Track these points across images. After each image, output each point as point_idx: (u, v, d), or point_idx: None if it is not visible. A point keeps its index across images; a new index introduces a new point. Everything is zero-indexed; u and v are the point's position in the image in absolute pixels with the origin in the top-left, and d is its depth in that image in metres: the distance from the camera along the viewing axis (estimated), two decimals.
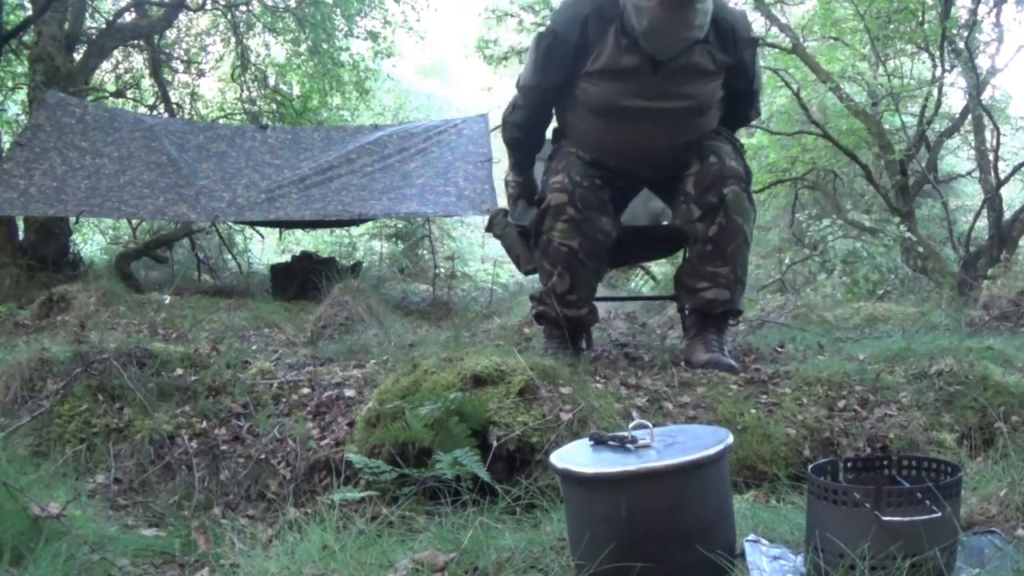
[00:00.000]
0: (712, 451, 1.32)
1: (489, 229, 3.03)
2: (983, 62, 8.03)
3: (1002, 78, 15.63)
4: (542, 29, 2.67)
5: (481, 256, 13.23)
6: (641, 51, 2.40)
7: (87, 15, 9.24)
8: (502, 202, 7.19)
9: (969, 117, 8.35)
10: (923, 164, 8.48)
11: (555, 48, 2.51)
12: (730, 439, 1.38)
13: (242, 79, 10.64)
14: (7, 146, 7.57)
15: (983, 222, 8.11)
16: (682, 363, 2.62)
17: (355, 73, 11.03)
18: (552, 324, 2.70)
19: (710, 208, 2.49)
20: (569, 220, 2.47)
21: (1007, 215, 7.58)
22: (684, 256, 2.81)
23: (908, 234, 7.33)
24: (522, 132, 2.76)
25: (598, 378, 2.35)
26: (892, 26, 8.14)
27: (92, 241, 10.65)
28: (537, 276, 2.73)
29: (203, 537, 1.76)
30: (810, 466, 1.37)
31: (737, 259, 2.55)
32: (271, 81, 11.13)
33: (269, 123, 9.04)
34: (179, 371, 2.57)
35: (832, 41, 9.39)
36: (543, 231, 2.53)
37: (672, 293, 2.96)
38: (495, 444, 1.90)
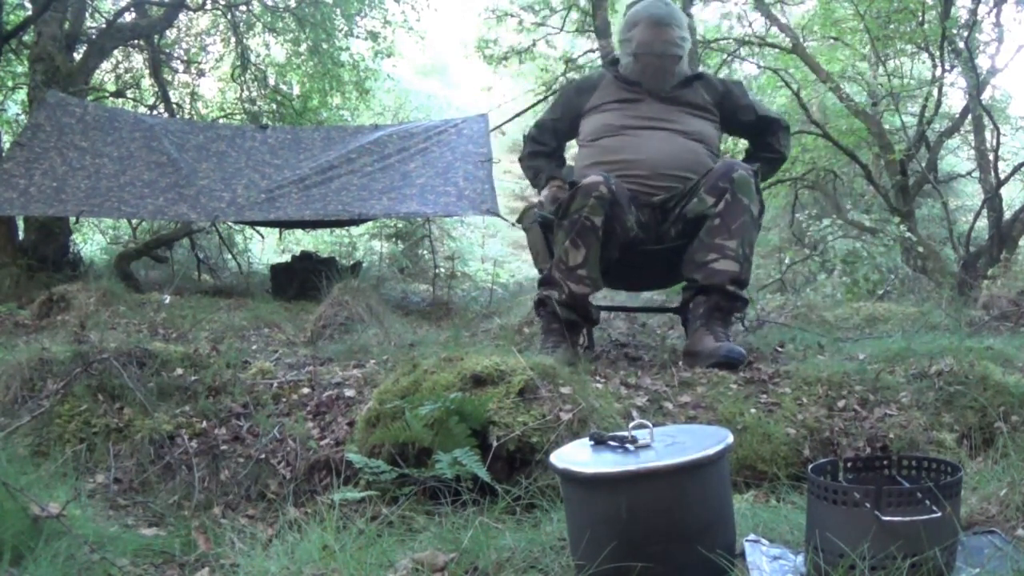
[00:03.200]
0: (712, 451, 1.32)
1: (519, 220, 3.14)
2: (983, 62, 8.04)
3: (1002, 78, 15.66)
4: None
5: (481, 256, 13.23)
6: (638, 88, 2.84)
7: (87, 15, 9.23)
8: (502, 203, 7.20)
9: (969, 117, 8.36)
10: (923, 164, 8.49)
11: (570, 90, 3.13)
12: (730, 439, 1.38)
13: (242, 79, 10.64)
14: (7, 146, 7.57)
15: (983, 222, 8.11)
16: (682, 361, 2.61)
17: (355, 73, 11.04)
18: (552, 316, 2.67)
19: (721, 192, 2.61)
20: (600, 197, 2.54)
21: (1007, 215, 7.58)
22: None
23: (908, 234, 7.34)
24: (535, 159, 3.09)
25: (598, 378, 2.35)
26: (892, 26, 8.15)
27: (92, 241, 10.66)
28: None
29: (203, 537, 1.76)
30: (810, 466, 1.37)
31: (744, 236, 2.61)
32: (271, 81, 11.13)
33: (269, 123, 9.04)
34: (179, 371, 2.57)
35: (832, 41, 9.40)
36: (572, 211, 2.58)
37: (673, 305, 2.97)
38: (495, 444, 1.90)
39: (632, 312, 3.29)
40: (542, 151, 3.10)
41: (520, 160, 3.18)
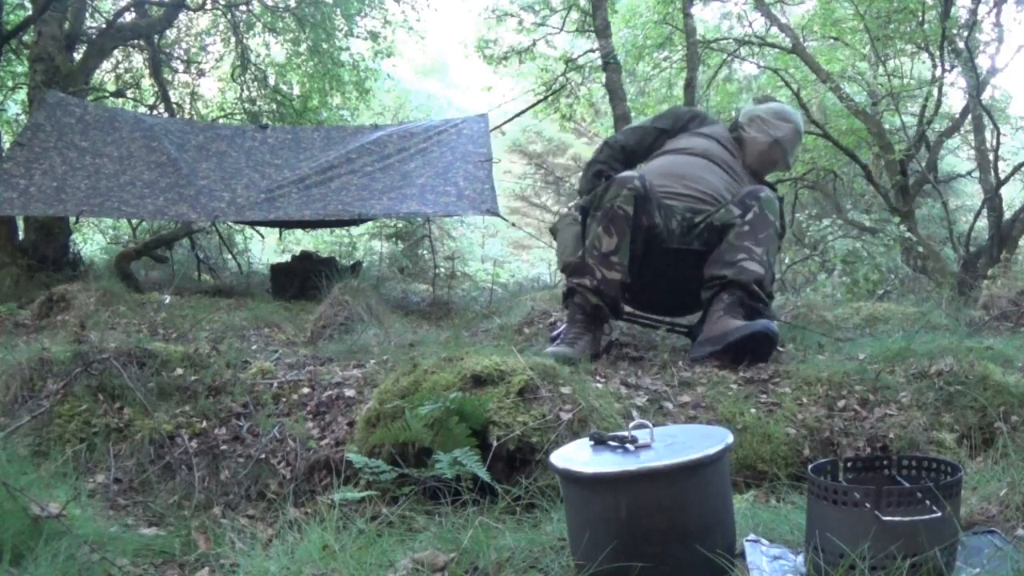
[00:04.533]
0: (712, 451, 1.32)
1: (554, 228, 3.25)
2: (983, 62, 8.05)
3: (1002, 78, 15.67)
4: None
5: (481, 256, 13.24)
6: (739, 151, 3.17)
7: (87, 15, 9.23)
8: (502, 203, 7.19)
9: (969, 117, 8.36)
10: (923, 164, 8.49)
11: (685, 111, 3.43)
12: (730, 439, 1.38)
13: (242, 79, 10.64)
14: (7, 146, 7.56)
15: (983, 222, 8.12)
16: (692, 353, 2.64)
17: (355, 73, 11.03)
18: (579, 307, 2.73)
19: (748, 206, 2.78)
20: (633, 189, 2.69)
21: (1007, 215, 7.59)
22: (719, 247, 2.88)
23: (908, 234, 7.34)
24: (610, 160, 3.22)
25: (598, 378, 2.35)
26: (892, 26, 8.16)
27: (92, 241, 10.65)
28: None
29: (203, 537, 1.77)
30: (810, 466, 1.37)
31: (768, 246, 2.73)
32: (271, 81, 11.13)
33: (269, 123, 9.04)
34: (179, 371, 2.57)
35: (832, 41, 9.40)
36: (605, 201, 2.70)
37: (685, 324, 3.06)
38: (495, 444, 1.90)
39: (648, 324, 3.28)
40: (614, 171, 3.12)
41: (590, 164, 3.28)
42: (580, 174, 3.42)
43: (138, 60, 10.70)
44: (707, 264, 2.77)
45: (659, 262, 2.83)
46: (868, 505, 1.20)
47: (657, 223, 2.77)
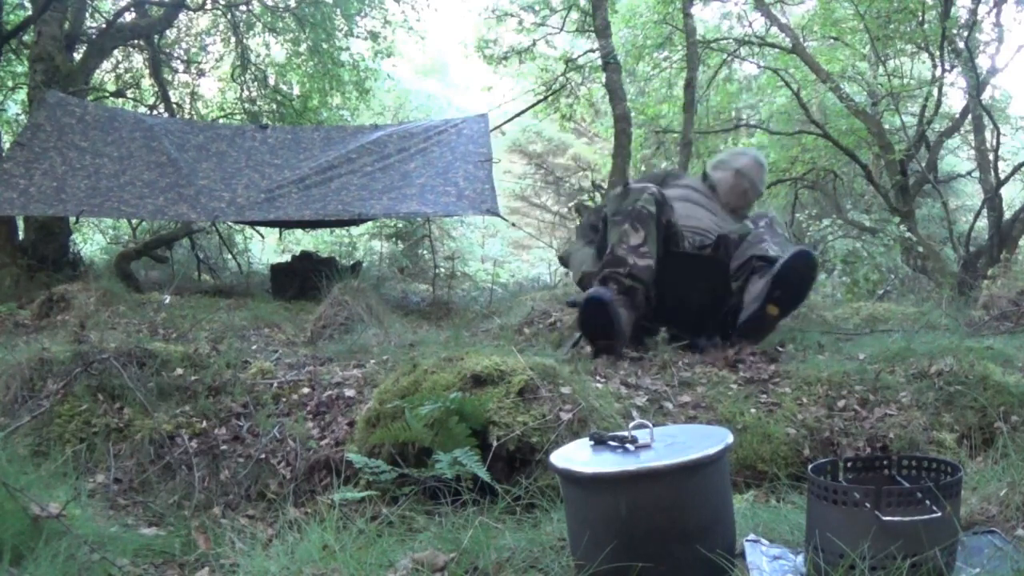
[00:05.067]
0: (712, 451, 1.32)
1: (564, 254, 3.55)
2: (983, 62, 8.05)
3: (1002, 78, 15.67)
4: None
5: (481, 256, 13.24)
6: (715, 195, 3.48)
7: (87, 15, 9.22)
8: (502, 203, 7.18)
9: (969, 117, 8.36)
10: (923, 164, 8.48)
11: (660, 172, 3.84)
12: (730, 439, 1.38)
13: (242, 79, 10.63)
14: (7, 146, 7.56)
15: (983, 222, 8.11)
16: (748, 310, 2.79)
17: (355, 73, 11.02)
18: (616, 287, 2.83)
19: (758, 221, 3.08)
20: (653, 194, 2.92)
21: (1007, 215, 7.59)
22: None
23: (908, 234, 7.34)
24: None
25: (598, 378, 2.35)
26: (892, 26, 8.15)
27: (92, 241, 10.64)
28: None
29: (203, 537, 1.77)
30: (810, 466, 1.37)
31: (783, 246, 2.95)
32: (271, 81, 11.12)
33: (269, 123, 9.03)
34: (179, 371, 2.57)
35: (832, 41, 9.40)
36: (625, 205, 2.90)
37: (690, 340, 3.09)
38: (495, 444, 1.90)
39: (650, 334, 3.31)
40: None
41: (582, 223, 3.57)
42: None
43: (138, 60, 10.70)
44: (732, 262, 2.97)
45: (674, 263, 2.96)
46: (868, 505, 1.20)
47: (674, 221, 2.99)
